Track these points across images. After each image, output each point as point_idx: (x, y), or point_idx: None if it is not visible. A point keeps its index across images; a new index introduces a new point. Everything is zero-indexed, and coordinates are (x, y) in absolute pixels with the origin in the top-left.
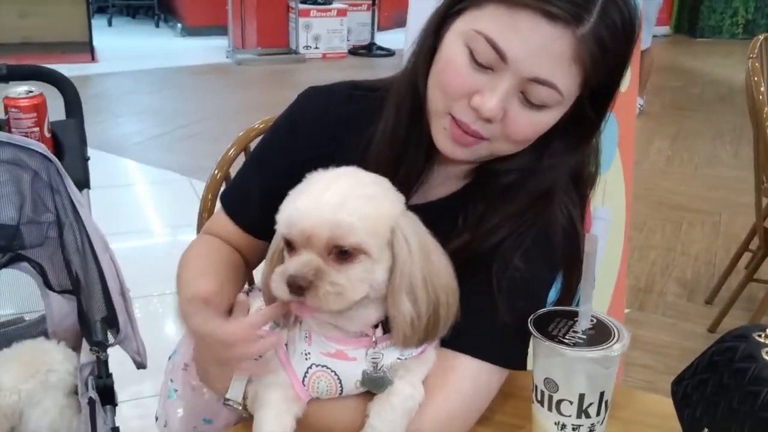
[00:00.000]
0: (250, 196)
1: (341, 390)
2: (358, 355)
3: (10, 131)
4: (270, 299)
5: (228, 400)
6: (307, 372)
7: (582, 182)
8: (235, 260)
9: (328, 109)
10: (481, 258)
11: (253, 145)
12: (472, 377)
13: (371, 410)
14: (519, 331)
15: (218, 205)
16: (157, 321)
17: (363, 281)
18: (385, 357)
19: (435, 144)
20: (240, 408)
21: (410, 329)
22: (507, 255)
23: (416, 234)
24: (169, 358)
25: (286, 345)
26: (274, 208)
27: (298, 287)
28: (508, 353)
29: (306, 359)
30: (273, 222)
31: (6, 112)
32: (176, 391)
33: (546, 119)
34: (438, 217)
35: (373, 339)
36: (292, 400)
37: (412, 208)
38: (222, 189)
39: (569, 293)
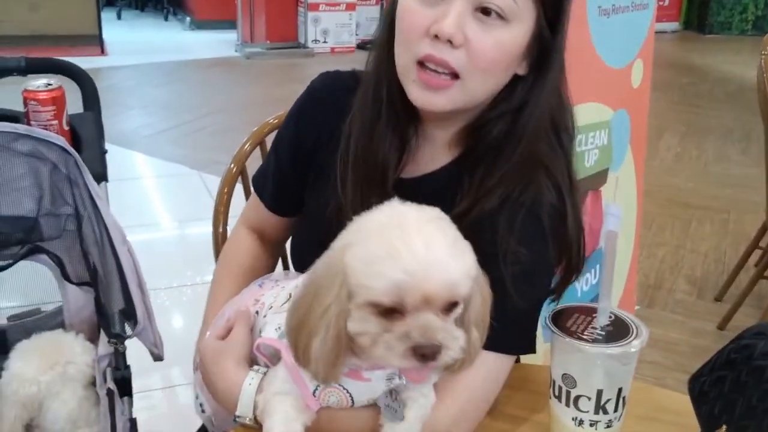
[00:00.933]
0: (269, 179)
1: (352, 404)
2: (373, 377)
3: (29, 124)
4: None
5: (238, 416)
6: (318, 386)
7: (563, 131)
8: (253, 269)
9: (333, 96)
10: (480, 247)
11: (268, 140)
12: (481, 369)
13: (385, 423)
14: (524, 315)
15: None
16: (165, 314)
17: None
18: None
19: (413, 103)
20: (251, 423)
21: (470, 357)
22: (503, 242)
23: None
24: (195, 369)
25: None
26: (287, 190)
27: (423, 355)
28: (516, 340)
29: None
30: (288, 202)
31: (25, 105)
32: (201, 405)
33: (507, 36)
34: (433, 189)
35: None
36: (301, 409)
37: (406, 182)
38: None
39: (566, 274)
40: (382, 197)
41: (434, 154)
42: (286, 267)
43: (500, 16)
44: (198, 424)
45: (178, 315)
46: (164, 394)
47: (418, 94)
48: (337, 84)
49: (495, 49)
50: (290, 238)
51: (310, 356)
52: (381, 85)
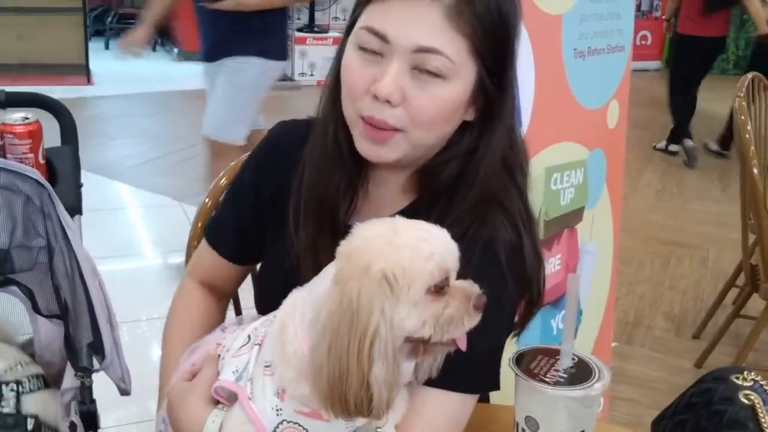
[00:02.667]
0: (228, 228)
1: None
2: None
3: (5, 157)
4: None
5: None
6: (277, 427)
7: (516, 169)
8: (203, 327)
9: (290, 144)
10: None
11: None
12: (445, 410)
13: None
14: (485, 354)
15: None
16: (145, 345)
17: None
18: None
19: (360, 153)
20: None
21: None
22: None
23: None
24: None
25: (250, 398)
26: (249, 239)
27: (482, 304)
28: (477, 380)
29: (277, 414)
30: (249, 251)
31: (2, 138)
32: None
33: (446, 92)
34: None
35: None
36: None
37: None
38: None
39: (527, 307)
40: (333, 240)
41: (390, 198)
42: (238, 313)
43: (438, 75)
44: None
45: (158, 346)
46: (140, 428)
47: (365, 147)
48: (295, 133)
49: (434, 106)
50: (255, 288)
51: (369, 393)
52: (328, 129)
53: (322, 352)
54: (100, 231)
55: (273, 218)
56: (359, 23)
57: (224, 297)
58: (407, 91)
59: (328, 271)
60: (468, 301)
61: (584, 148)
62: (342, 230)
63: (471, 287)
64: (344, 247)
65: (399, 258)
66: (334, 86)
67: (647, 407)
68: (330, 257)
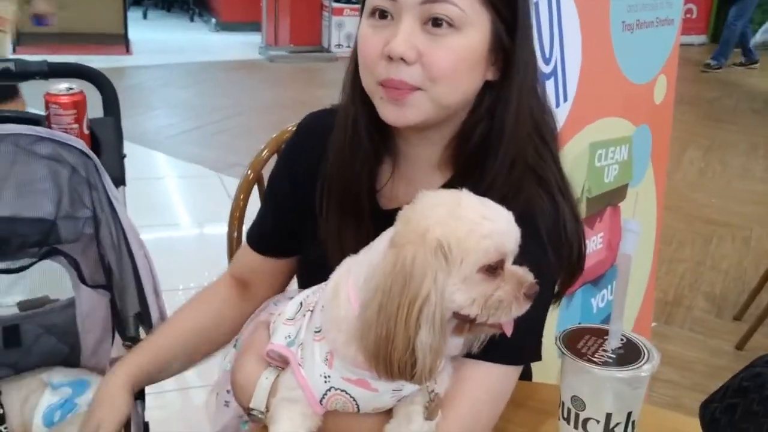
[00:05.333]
0: (265, 223)
1: (357, 410)
2: (380, 387)
3: (50, 127)
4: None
5: (251, 409)
6: (325, 394)
7: (547, 135)
8: (219, 311)
9: (319, 133)
10: None
11: None
12: (488, 383)
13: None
14: (527, 325)
15: (244, 240)
16: None
17: None
18: (406, 387)
19: (385, 121)
20: (263, 417)
21: None
22: None
23: None
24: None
25: (300, 364)
26: (284, 232)
27: (535, 292)
28: (519, 351)
29: (325, 382)
30: (289, 243)
31: (47, 108)
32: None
33: (460, 43)
34: None
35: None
36: (307, 416)
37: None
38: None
39: (568, 275)
40: (358, 226)
41: (425, 176)
42: None
43: (450, 25)
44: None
45: None
46: (178, 395)
47: (387, 112)
48: (323, 121)
49: (449, 58)
50: (298, 282)
51: (413, 358)
52: (349, 113)
53: (372, 311)
54: (138, 200)
55: (308, 210)
56: None
57: (254, 298)
58: (421, 47)
59: (386, 234)
60: (519, 288)
61: (630, 124)
62: (369, 215)
63: (525, 275)
64: (405, 210)
65: (457, 229)
66: (353, 70)
67: (686, 389)
68: (354, 243)
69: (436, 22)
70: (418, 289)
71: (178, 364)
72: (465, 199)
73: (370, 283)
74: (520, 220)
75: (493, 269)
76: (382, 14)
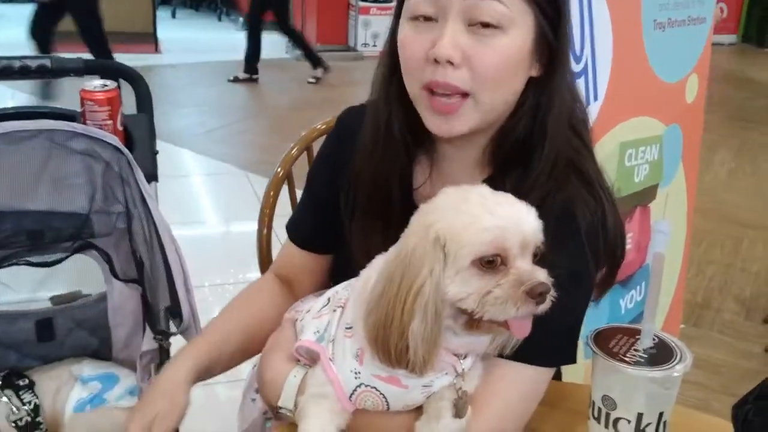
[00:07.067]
0: (304, 217)
1: (387, 408)
2: (411, 384)
3: (85, 123)
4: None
5: (280, 407)
6: (355, 390)
7: (583, 127)
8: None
9: (356, 128)
10: None
11: (316, 144)
12: (518, 384)
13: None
14: (563, 326)
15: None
16: (207, 311)
17: None
18: (436, 383)
19: (430, 130)
20: (291, 415)
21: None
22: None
23: None
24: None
25: (331, 359)
26: (323, 226)
27: (540, 294)
28: (554, 352)
29: (356, 378)
30: (329, 238)
31: (82, 105)
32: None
33: (507, 43)
34: None
35: (461, 368)
36: (336, 412)
37: None
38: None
39: (608, 272)
40: (385, 226)
41: (464, 174)
42: None
43: (495, 26)
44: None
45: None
46: (203, 391)
47: (433, 122)
48: (360, 116)
49: (496, 59)
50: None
51: (407, 345)
52: (380, 112)
53: (374, 295)
54: (165, 197)
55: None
56: None
57: (298, 297)
58: (467, 49)
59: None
60: (518, 286)
61: (661, 124)
62: (401, 214)
63: (530, 274)
64: (425, 204)
65: (455, 222)
66: (387, 68)
67: (714, 391)
68: (379, 243)
69: (485, 23)
70: (414, 279)
71: (226, 361)
72: (474, 194)
73: (382, 272)
74: (560, 220)
75: (490, 264)
76: (426, 19)
